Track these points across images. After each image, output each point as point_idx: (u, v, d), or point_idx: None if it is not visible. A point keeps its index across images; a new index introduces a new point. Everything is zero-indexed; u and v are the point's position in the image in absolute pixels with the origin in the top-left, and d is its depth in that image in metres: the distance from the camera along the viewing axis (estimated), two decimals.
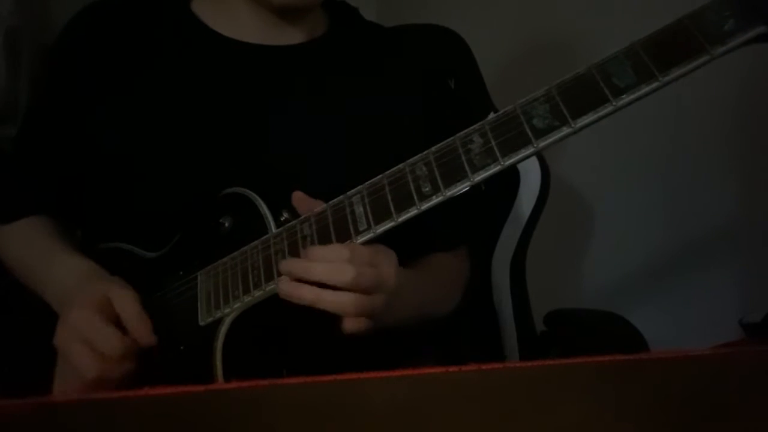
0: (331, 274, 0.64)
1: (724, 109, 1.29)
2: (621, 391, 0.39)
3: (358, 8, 0.94)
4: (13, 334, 0.88)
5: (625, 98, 0.57)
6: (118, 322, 0.70)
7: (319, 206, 0.69)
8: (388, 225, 0.65)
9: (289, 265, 0.67)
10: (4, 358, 0.86)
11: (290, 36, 0.85)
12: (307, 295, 0.65)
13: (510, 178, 1.07)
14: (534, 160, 1.06)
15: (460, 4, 1.60)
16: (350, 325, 0.66)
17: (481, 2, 1.63)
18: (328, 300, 0.65)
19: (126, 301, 0.71)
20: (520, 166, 1.05)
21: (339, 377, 0.37)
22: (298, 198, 0.71)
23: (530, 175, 1.06)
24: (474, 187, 0.62)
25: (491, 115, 0.63)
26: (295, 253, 0.68)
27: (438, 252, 0.87)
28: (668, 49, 0.56)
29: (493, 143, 0.61)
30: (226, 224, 0.75)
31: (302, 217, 0.70)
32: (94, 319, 0.69)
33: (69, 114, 0.85)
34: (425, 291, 0.80)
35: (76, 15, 0.88)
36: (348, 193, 0.68)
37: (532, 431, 0.37)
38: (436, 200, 0.63)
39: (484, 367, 0.38)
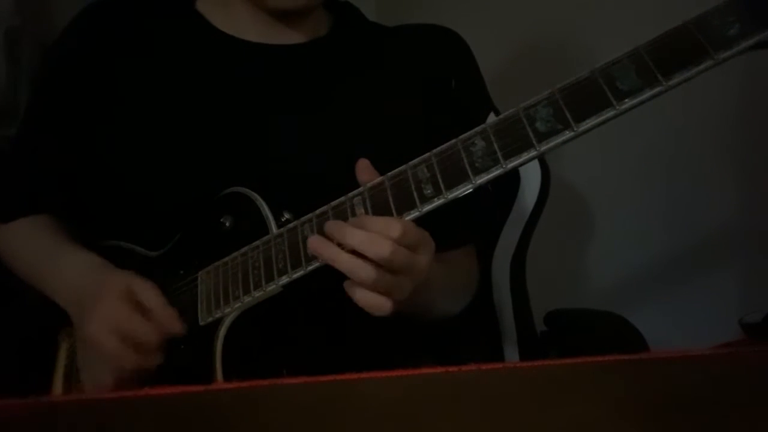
0: (367, 244, 0.62)
1: (725, 111, 1.29)
2: (621, 391, 0.39)
3: (359, 8, 0.94)
4: (12, 334, 0.88)
5: (629, 102, 0.56)
6: (143, 313, 0.70)
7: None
8: None
9: (332, 225, 0.65)
10: (4, 357, 0.87)
11: (292, 36, 0.85)
12: (325, 252, 0.64)
13: (510, 179, 1.07)
14: (534, 159, 1.06)
15: (460, 3, 1.60)
16: (360, 296, 0.64)
17: (481, 2, 1.63)
18: (345, 262, 0.63)
19: (150, 292, 0.71)
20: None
21: (339, 377, 0.37)
22: (362, 166, 0.69)
23: (530, 175, 1.06)
24: (481, 187, 0.62)
25: (491, 116, 0.63)
26: (296, 254, 0.68)
27: (449, 249, 0.87)
28: (672, 54, 0.55)
29: (496, 146, 0.61)
30: (227, 224, 0.75)
31: (303, 218, 0.70)
32: (127, 310, 0.70)
33: (70, 113, 0.85)
34: (445, 285, 0.79)
35: (78, 14, 0.88)
36: (349, 194, 0.68)
37: (532, 431, 0.37)
38: (437, 202, 0.63)
39: (484, 367, 0.38)
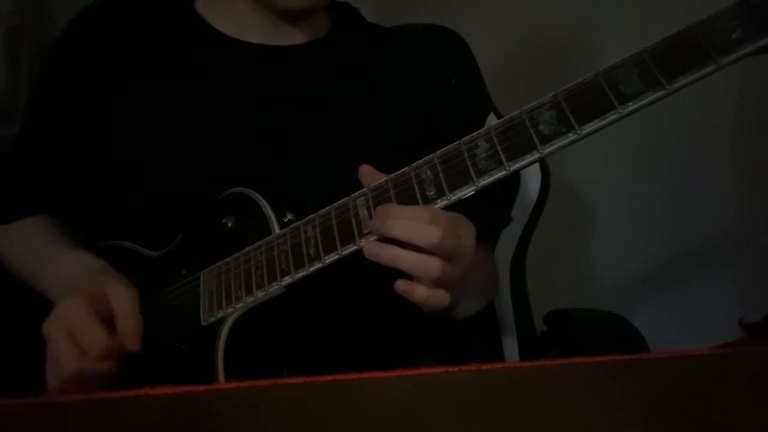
0: (416, 232, 0.60)
1: (725, 111, 1.29)
2: (621, 391, 0.39)
3: (358, 8, 0.95)
4: (13, 335, 0.88)
5: (632, 106, 0.57)
6: (111, 319, 0.68)
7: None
8: None
9: (375, 222, 0.63)
10: (4, 357, 0.87)
11: (293, 37, 0.85)
12: (385, 254, 0.61)
13: (510, 179, 1.07)
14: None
15: (460, 4, 1.60)
16: (425, 295, 0.62)
17: (481, 2, 1.63)
18: (408, 259, 0.61)
19: (122, 299, 0.68)
20: None
21: (339, 377, 0.37)
22: (366, 171, 0.67)
23: (530, 175, 1.06)
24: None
25: (491, 116, 0.63)
26: (298, 254, 0.68)
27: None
28: (675, 58, 0.55)
29: (499, 148, 0.61)
30: (229, 224, 0.75)
31: (306, 218, 0.70)
32: (82, 311, 0.66)
33: (70, 113, 0.85)
34: (482, 274, 0.78)
35: (78, 14, 0.88)
36: (352, 195, 0.67)
37: (532, 431, 0.37)
38: (440, 204, 0.63)
39: (484, 367, 0.38)
